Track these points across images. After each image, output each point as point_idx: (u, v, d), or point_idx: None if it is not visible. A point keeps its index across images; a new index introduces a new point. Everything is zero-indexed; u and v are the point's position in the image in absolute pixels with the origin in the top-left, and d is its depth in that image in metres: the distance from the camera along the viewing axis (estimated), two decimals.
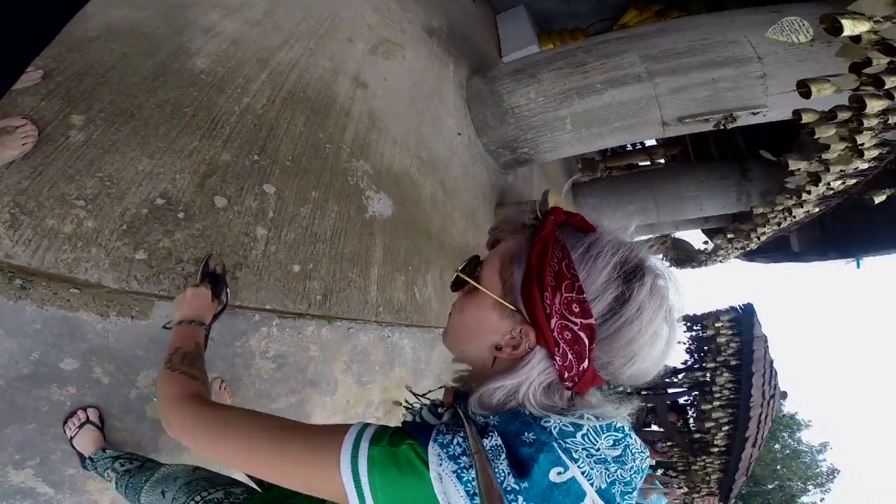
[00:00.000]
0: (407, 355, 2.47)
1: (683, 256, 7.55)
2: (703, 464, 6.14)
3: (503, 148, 3.69)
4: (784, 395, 6.53)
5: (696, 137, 6.30)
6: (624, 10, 5.40)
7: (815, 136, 2.18)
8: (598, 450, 0.50)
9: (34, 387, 1.15)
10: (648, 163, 7.96)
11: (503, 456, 0.47)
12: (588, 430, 0.51)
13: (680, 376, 6.55)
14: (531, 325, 0.54)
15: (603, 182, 6.93)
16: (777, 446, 17.28)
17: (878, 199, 3.00)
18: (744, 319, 5.96)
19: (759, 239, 5.02)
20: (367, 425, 0.53)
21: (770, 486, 16.85)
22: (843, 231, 5.31)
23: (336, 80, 2.32)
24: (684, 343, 6.51)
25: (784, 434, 17.69)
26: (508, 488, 0.45)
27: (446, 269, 2.77)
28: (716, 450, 5.93)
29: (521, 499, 0.45)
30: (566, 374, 0.53)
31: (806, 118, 2.12)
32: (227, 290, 1.19)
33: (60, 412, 1.20)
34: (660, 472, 6.78)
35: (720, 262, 7.04)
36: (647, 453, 0.56)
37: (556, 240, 0.54)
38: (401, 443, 0.50)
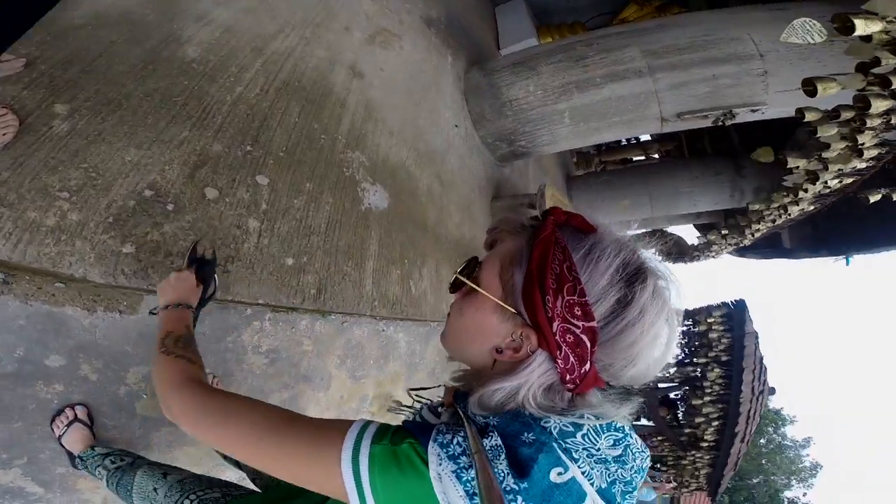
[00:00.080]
0: (401, 349, 2.45)
1: (676, 251, 7.58)
2: (692, 458, 6.22)
3: (500, 140, 3.67)
4: (772, 391, 6.59)
5: (691, 133, 6.30)
6: (624, 4, 5.37)
7: (817, 135, 2.17)
8: (599, 450, 0.50)
9: (19, 385, 1.12)
10: (643, 158, 7.97)
11: (503, 456, 0.47)
12: (588, 430, 0.51)
13: (671, 371, 6.60)
14: (532, 328, 0.53)
15: (598, 176, 6.93)
16: (762, 441, 17.59)
17: (874, 199, 3.01)
18: (735, 315, 6.00)
19: (753, 235, 5.05)
20: (368, 423, 0.53)
21: (755, 481, 17.18)
22: (834, 229, 5.34)
23: (332, 69, 2.27)
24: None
25: (769, 429, 18.00)
26: (508, 488, 0.45)
27: (442, 263, 2.76)
28: (705, 445, 6.00)
29: (520, 499, 0.45)
30: (568, 377, 0.53)
31: (809, 116, 2.11)
32: (217, 276, 1.16)
33: (47, 410, 1.17)
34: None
35: (713, 257, 7.07)
36: (648, 453, 0.55)
37: (556, 241, 0.54)
38: (402, 441, 0.49)
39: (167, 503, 0.95)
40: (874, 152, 2.40)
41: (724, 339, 5.91)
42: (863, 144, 2.25)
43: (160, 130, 1.43)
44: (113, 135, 1.31)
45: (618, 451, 0.51)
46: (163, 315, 0.89)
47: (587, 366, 0.52)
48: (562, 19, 5.59)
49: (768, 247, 6.41)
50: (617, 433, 0.52)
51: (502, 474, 0.45)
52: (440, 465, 0.47)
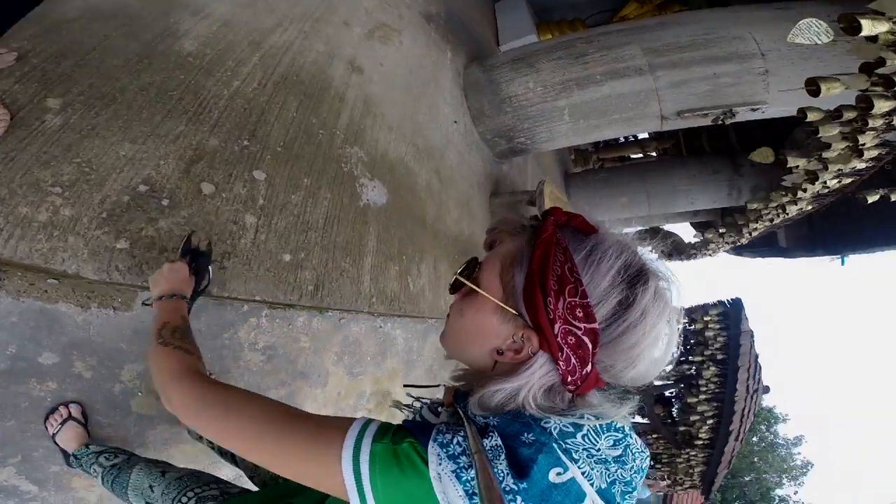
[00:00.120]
0: (399, 346, 2.45)
1: (673, 249, 7.60)
2: (686, 456, 6.25)
3: (499, 137, 3.65)
4: (766, 389, 6.64)
5: (689, 131, 6.31)
6: (624, 2, 5.37)
7: (818, 135, 2.17)
8: (599, 450, 0.50)
9: (12, 382, 1.10)
10: (641, 155, 7.97)
11: (503, 456, 0.47)
12: (588, 430, 0.50)
13: (667, 369, 6.63)
14: (534, 330, 0.53)
15: (595, 174, 6.93)
16: (755, 439, 17.64)
17: (872, 199, 3.02)
18: (732, 314, 6.03)
19: (750, 234, 5.06)
20: (370, 421, 0.53)
21: (747, 479, 17.25)
22: (830, 228, 5.37)
23: (331, 64, 2.25)
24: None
25: (762, 427, 18.06)
26: (507, 488, 0.45)
27: (440, 259, 2.75)
28: (700, 443, 6.03)
29: (519, 499, 0.45)
30: (569, 378, 0.53)
31: (811, 116, 2.10)
32: (211, 267, 1.15)
33: (41, 408, 1.16)
34: None
35: (709, 255, 7.09)
36: (647, 453, 0.55)
37: (558, 242, 0.54)
38: (402, 441, 0.49)
39: (164, 500, 0.95)
40: (874, 153, 2.40)
41: (720, 338, 5.94)
42: (863, 145, 2.25)
43: (155, 125, 1.40)
44: (107, 129, 1.28)
45: (618, 452, 0.51)
46: (158, 306, 0.89)
47: (588, 367, 0.52)
48: (562, 16, 5.58)
49: (764, 245, 6.43)
50: (617, 433, 0.52)
51: (502, 474, 0.45)
52: (440, 464, 0.47)
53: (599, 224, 0.58)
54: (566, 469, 0.47)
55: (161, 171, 1.37)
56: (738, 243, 5.87)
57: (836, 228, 5.29)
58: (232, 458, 1.30)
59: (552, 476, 0.46)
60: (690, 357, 6.15)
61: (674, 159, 6.83)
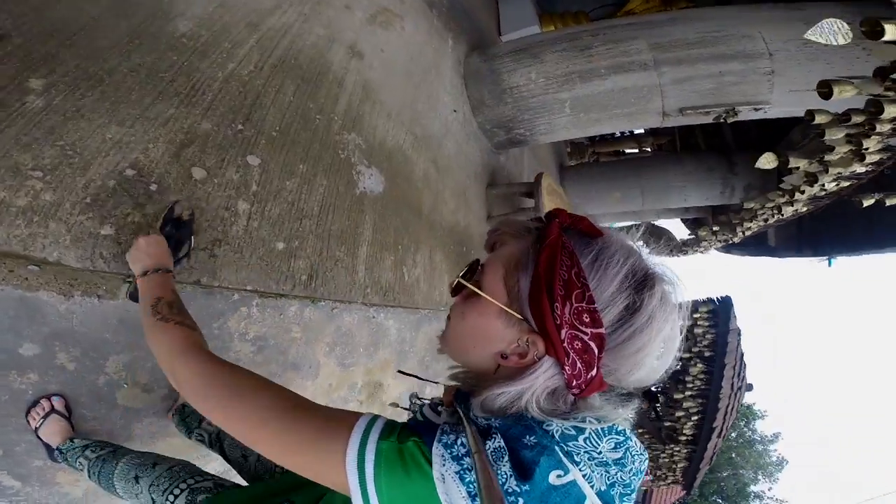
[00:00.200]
0: (392, 336, 2.42)
1: (671, 247, 7.62)
2: (670, 452, 6.34)
3: (498, 127, 3.61)
4: (750, 387, 6.74)
5: (685, 128, 6.30)
6: None
7: (824, 137, 2.16)
8: (600, 453, 0.50)
9: None
10: (636, 150, 7.96)
11: (506, 458, 0.47)
12: (590, 433, 0.50)
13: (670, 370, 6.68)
14: (539, 335, 0.53)
15: (591, 167, 6.92)
16: (733, 435, 17.94)
17: (867, 203, 3.03)
18: (721, 311, 6.09)
19: (743, 233, 5.09)
20: (376, 417, 0.52)
21: (724, 474, 17.58)
22: (819, 230, 5.43)
23: (330, 48, 2.18)
24: None
25: (741, 423, 18.37)
26: (510, 490, 0.45)
27: (436, 249, 2.72)
28: (683, 439, 6.12)
29: (521, 501, 0.45)
30: (574, 382, 0.52)
31: (819, 119, 2.09)
32: (193, 237, 1.10)
33: (22, 402, 1.11)
34: None
35: (700, 252, 7.14)
36: (646, 455, 0.55)
37: (564, 246, 0.53)
38: (407, 439, 0.49)
39: (155, 491, 0.92)
40: (876, 157, 2.40)
41: (708, 335, 6.00)
42: (867, 149, 2.25)
43: (145, 107, 1.34)
44: (93, 111, 1.21)
45: (618, 454, 0.51)
46: (146, 281, 0.86)
47: (594, 371, 0.52)
48: (565, 8, 5.54)
49: (753, 244, 6.49)
50: (618, 436, 0.52)
51: (505, 476, 0.45)
52: (444, 465, 0.47)
53: (603, 228, 0.57)
54: (567, 471, 0.47)
55: (150, 155, 1.30)
56: (731, 241, 5.91)
57: (824, 230, 5.35)
58: (221, 451, 1.27)
59: (552, 478, 0.46)
60: (678, 353, 6.21)
61: (669, 155, 6.85)
